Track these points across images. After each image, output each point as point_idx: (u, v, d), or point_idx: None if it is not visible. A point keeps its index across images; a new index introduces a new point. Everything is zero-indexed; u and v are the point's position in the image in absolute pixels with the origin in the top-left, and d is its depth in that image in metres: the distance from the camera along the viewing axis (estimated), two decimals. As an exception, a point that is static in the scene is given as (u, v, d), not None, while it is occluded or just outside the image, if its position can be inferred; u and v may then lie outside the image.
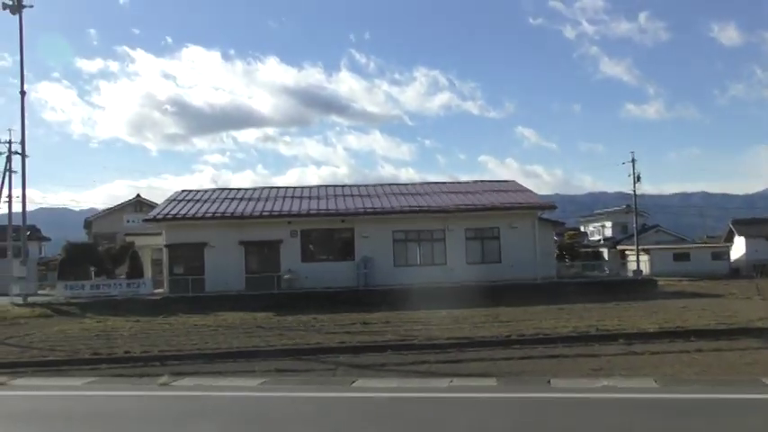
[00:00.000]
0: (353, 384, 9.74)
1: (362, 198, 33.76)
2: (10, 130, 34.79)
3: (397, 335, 15.26)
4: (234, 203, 32.48)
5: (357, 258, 30.53)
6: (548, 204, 33.97)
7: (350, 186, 36.83)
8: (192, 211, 31.18)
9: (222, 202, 32.76)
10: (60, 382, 10.80)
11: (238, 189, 36.03)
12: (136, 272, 32.39)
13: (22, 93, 29.30)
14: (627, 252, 52.04)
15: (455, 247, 31.17)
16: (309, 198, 33.55)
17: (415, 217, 31.46)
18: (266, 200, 33.20)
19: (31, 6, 28.21)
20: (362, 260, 30.30)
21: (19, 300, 27.86)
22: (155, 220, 30.48)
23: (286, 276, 29.58)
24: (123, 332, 18.44)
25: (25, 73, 30.52)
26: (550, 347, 12.56)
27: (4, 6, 27.59)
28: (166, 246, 30.19)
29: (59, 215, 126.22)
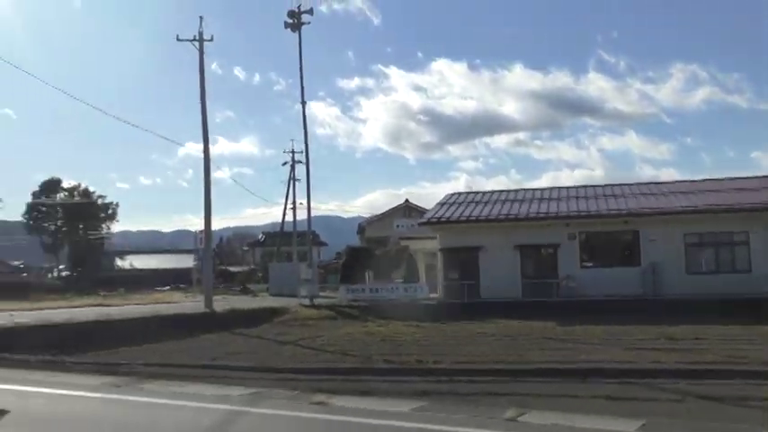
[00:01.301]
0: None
1: (646, 197, 30.62)
2: (292, 140, 37.67)
3: (720, 355, 12.82)
4: (507, 205, 31.41)
5: (643, 264, 27.66)
6: None
7: (629, 185, 33.69)
8: (466, 214, 30.70)
9: (495, 204, 31.84)
10: (380, 405, 8.87)
11: (509, 190, 34.97)
12: (412, 276, 32.89)
13: (303, 102, 31.29)
14: None
15: (763, 253, 26.81)
16: (587, 198, 31.28)
17: (710, 218, 27.67)
18: (540, 200, 31.63)
19: (308, 23, 30.05)
20: (650, 266, 27.35)
21: (306, 301, 29.56)
22: (429, 223, 30.57)
23: (565, 283, 27.78)
24: (406, 337, 18.28)
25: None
26: None
27: (286, 25, 29.80)
28: (440, 250, 30.13)
29: (329, 222, 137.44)
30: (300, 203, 56.44)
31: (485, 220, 29.85)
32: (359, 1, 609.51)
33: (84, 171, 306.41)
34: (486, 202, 32.24)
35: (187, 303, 32.22)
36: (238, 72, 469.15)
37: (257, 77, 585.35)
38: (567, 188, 34.24)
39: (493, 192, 35.03)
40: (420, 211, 45.72)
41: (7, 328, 18.81)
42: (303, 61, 30.72)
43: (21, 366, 11.16)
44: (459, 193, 35.19)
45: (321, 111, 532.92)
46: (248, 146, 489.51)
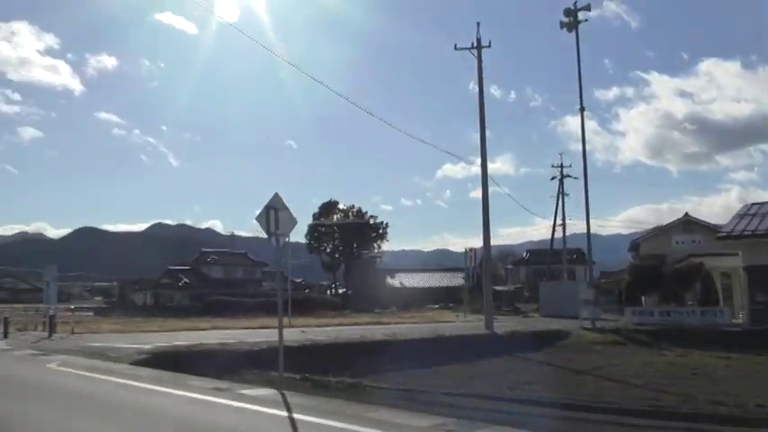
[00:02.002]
0: None
1: None
2: (561, 154, 36.16)
3: None
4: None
5: None
6: None
7: None
8: (776, 227, 26.38)
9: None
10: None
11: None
12: (708, 298, 29.16)
13: (581, 109, 29.70)
14: None
15: None
16: None
17: None
18: None
19: (585, 20, 28.72)
20: None
21: (587, 324, 27.59)
22: (729, 237, 26.78)
23: None
24: (720, 371, 15.76)
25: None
26: None
27: (561, 25, 28.81)
28: (744, 268, 26.21)
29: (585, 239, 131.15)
30: (569, 219, 54.41)
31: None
32: (614, 5, 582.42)
33: (355, 194, 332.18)
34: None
35: (462, 323, 31.98)
36: (494, 90, 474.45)
37: (512, 95, 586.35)
38: None
39: (805, 200, 29.81)
40: (703, 226, 40.92)
41: (304, 345, 19.80)
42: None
43: (320, 391, 11.19)
44: (762, 203, 30.52)
45: (577, 124, 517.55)
46: (502, 165, 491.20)
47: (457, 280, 70.43)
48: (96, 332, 25.13)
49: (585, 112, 30.87)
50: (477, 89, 28.07)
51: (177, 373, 12.57)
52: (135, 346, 18.23)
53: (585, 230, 32.94)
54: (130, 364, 14.44)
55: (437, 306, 59.93)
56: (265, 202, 11.33)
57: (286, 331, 29.40)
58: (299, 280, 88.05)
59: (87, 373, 12.31)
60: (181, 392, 10.22)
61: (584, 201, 31.95)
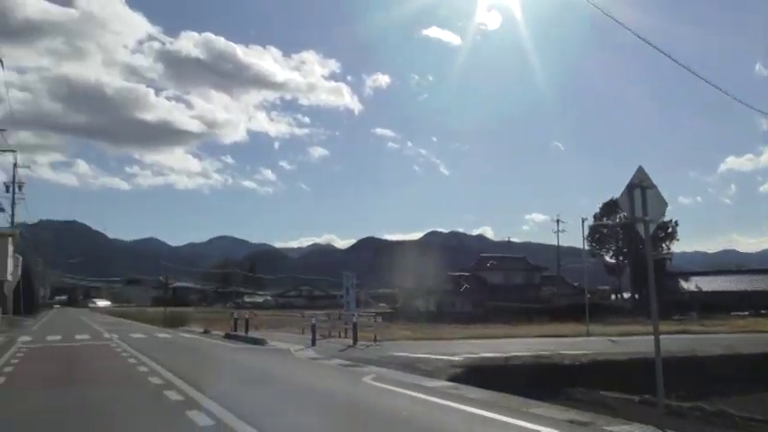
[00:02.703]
0: None
1: None
2: None
3: None
4: None
5: None
6: None
7: None
8: None
9: None
10: None
11: None
12: None
13: None
14: None
15: None
16: None
17: None
18: None
19: None
20: None
21: None
22: None
23: None
24: None
25: None
26: None
27: None
28: None
29: None
30: None
31: None
32: None
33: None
34: None
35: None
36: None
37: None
38: None
39: None
40: None
41: (631, 359, 16.72)
42: None
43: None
44: None
45: None
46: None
47: (757, 283, 65.41)
48: (393, 339, 24.49)
49: None
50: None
51: (509, 395, 10.42)
52: (443, 357, 16.69)
53: None
54: (447, 379, 12.71)
55: (746, 313, 52.07)
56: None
57: (585, 340, 26.52)
58: (575, 284, 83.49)
59: (406, 391, 10.72)
60: (523, 424, 7.97)
61: None
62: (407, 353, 17.94)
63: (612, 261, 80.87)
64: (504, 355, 16.65)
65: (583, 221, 45.13)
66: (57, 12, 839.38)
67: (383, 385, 11.51)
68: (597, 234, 77.64)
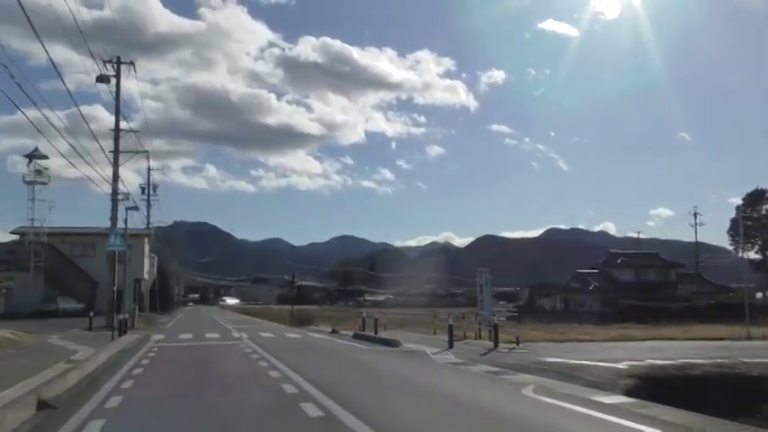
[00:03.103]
0: None
1: None
2: None
3: None
4: None
5: None
6: None
7: None
8: None
9: None
10: None
11: None
12: None
13: None
14: None
15: None
16: None
17: None
18: None
19: None
20: None
21: None
22: None
23: None
24: None
25: None
26: None
27: None
28: None
29: None
30: None
31: None
32: None
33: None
34: None
35: None
36: None
37: None
38: None
39: None
40: None
41: None
42: None
43: None
44: None
45: None
46: None
47: None
48: (531, 341, 22.70)
49: None
50: None
51: (713, 418, 8.54)
52: (602, 363, 14.79)
53: None
54: (623, 393, 10.91)
55: None
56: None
57: (750, 344, 23.54)
58: (712, 281, 77.30)
59: (582, 409, 9.00)
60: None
61: None
62: (558, 358, 16.16)
63: (759, 256, 74.30)
64: (675, 363, 14.54)
65: (736, 210, 40.93)
66: (185, 25, 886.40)
67: (550, 400, 9.87)
68: (744, 227, 71.70)
